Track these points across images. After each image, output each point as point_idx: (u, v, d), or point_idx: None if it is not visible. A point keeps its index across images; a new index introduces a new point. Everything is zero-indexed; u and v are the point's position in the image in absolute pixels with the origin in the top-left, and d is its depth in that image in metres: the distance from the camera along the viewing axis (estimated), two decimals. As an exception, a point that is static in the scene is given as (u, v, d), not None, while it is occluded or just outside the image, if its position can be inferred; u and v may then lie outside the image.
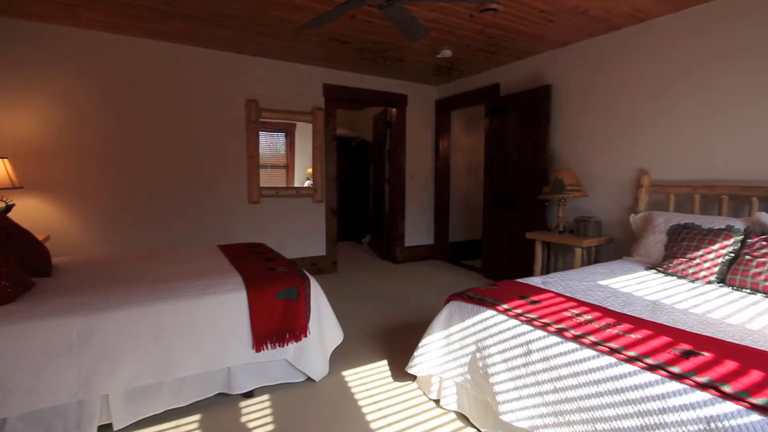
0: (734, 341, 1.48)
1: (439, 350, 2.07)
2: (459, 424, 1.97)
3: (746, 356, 1.33)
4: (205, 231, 4.13)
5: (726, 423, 1.10)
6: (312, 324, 2.27)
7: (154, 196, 3.87)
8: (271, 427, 1.93)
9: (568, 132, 3.87)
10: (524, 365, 1.64)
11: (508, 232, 4.37)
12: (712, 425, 1.11)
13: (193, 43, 3.87)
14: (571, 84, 3.81)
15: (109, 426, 1.84)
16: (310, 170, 4.93)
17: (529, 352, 1.65)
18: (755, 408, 1.09)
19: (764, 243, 2.18)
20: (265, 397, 2.18)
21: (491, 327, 1.85)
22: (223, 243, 3.89)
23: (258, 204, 4.42)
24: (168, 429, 1.91)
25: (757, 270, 2.11)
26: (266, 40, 3.73)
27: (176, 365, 1.91)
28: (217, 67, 4.09)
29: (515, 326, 1.76)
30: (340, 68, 4.72)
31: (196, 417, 2.00)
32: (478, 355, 1.86)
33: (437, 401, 2.14)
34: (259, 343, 2.11)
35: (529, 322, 1.73)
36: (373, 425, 1.94)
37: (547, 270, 3.91)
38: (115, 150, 3.68)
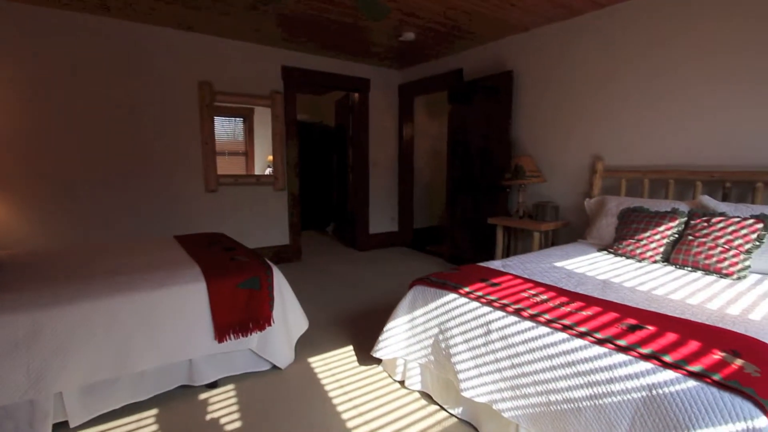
0: (675, 315, 1.59)
1: (404, 333, 2.11)
2: (423, 402, 2.03)
3: (685, 328, 1.44)
4: (160, 222, 3.97)
5: (666, 390, 1.19)
6: (276, 313, 2.26)
7: (102, 186, 3.66)
8: (236, 416, 1.91)
9: (528, 118, 3.97)
10: (484, 344, 1.71)
11: (471, 217, 4.46)
12: (654, 392, 1.20)
13: (138, 19, 3.62)
14: (532, 70, 3.89)
15: (65, 424, 1.77)
16: (270, 157, 4.82)
17: (488, 332, 1.71)
18: (692, 375, 1.19)
19: (705, 224, 2.34)
20: (230, 386, 2.16)
21: (453, 310, 1.90)
22: (180, 234, 3.76)
23: (216, 192, 4.28)
24: (128, 423, 1.86)
25: (698, 249, 2.26)
26: (218, 16, 3.55)
27: (133, 359, 1.85)
28: (166, 46, 3.85)
29: (476, 308, 1.82)
30: (299, 50, 4.58)
31: (158, 410, 1.95)
32: (440, 337, 1.91)
33: (402, 382, 2.19)
34: (221, 334, 2.07)
35: (489, 303, 1.79)
36: (339, 408, 1.97)
37: (507, 253, 4.04)
38: (59, 137, 3.45)
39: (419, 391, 2.12)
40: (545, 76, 3.78)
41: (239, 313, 2.13)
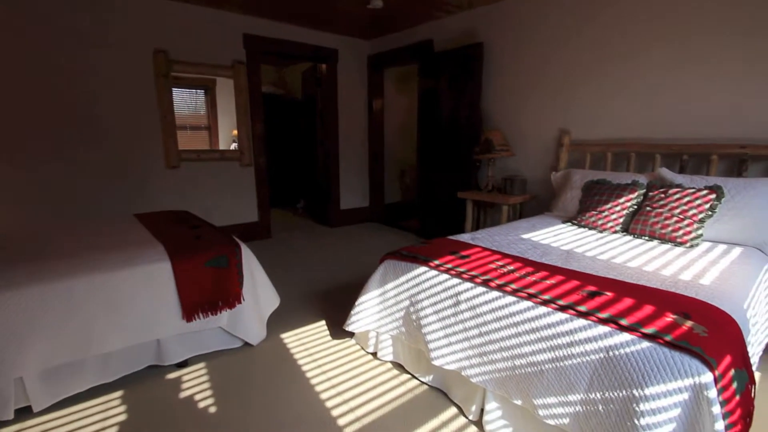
0: (632, 281, 1.67)
1: (375, 307, 2.13)
2: (395, 372, 2.08)
3: (641, 294, 1.52)
4: (118, 200, 3.78)
5: (622, 351, 1.26)
6: (246, 290, 2.23)
7: (55, 163, 3.45)
8: (208, 393, 1.91)
9: (498, 92, 3.97)
10: (453, 315, 1.75)
11: (441, 191, 4.49)
12: (611, 353, 1.27)
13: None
14: (503, 43, 3.86)
15: (29, 408, 1.72)
16: (235, 132, 4.66)
17: (458, 303, 1.75)
18: (645, 336, 1.26)
19: (662, 195, 2.44)
20: (201, 365, 2.14)
21: (423, 282, 1.93)
22: (140, 212, 3.61)
23: (178, 169, 4.10)
24: (95, 406, 1.82)
25: (655, 220, 2.37)
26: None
27: (96, 342, 1.80)
28: (115, 10, 3.56)
29: (445, 280, 1.85)
30: (262, 17, 4.35)
31: (126, 392, 1.92)
32: (411, 309, 1.95)
33: (374, 354, 2.23)
34: (189, 314, 2.04)
35: (458, 275, 1.82)
36: (313, 381, 1.99)
37: (477, 227, 4.12)
38: (4, 111, 3.21)
39: (391, 362, 2.17)
40: (515, 49, 3.77)
41: (207, 291, 2.09)
